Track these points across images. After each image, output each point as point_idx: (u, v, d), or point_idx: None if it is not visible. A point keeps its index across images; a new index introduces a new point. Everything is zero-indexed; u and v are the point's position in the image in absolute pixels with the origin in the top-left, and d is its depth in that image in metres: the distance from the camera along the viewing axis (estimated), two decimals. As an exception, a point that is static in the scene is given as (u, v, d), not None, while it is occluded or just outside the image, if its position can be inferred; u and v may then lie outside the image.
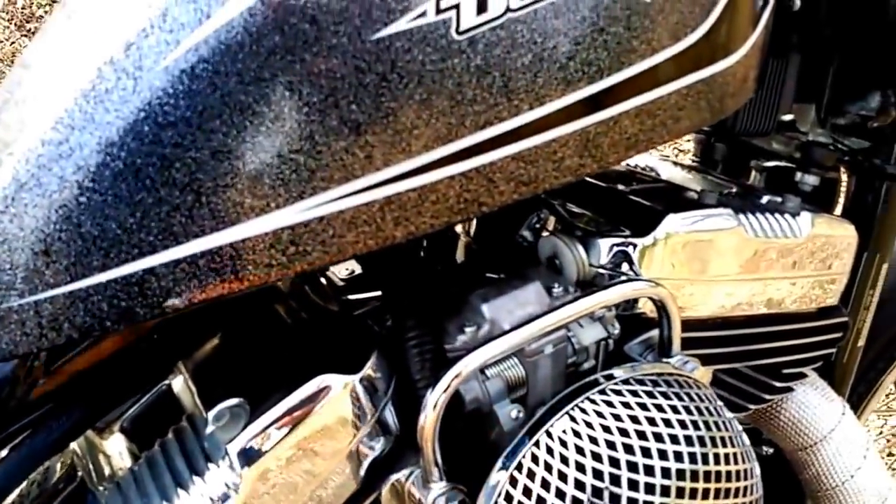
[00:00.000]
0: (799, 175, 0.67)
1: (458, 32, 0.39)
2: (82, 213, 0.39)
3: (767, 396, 0.66)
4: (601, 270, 0.53)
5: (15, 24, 2.58)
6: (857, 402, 0.96)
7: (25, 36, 2.54)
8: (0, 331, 0.40)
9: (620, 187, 0.58)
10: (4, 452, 0.47)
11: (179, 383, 0.51)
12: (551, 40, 0.41)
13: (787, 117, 0.70)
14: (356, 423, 0.47)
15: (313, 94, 0.38)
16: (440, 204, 0.42)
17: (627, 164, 0.65)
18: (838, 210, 0.73)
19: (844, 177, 0.73)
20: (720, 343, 0.60)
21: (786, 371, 0.65)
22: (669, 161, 0.72)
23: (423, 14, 0.38)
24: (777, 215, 0.58)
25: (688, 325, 0.56)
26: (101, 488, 0.47)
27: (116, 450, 0.50)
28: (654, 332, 0.53)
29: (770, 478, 0.75)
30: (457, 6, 0.39)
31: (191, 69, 0.37)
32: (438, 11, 0.38)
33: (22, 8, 2.64)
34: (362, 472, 0.48)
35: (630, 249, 0.53)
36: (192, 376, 0.49)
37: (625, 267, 0.53)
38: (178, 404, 0.51)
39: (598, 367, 0.51)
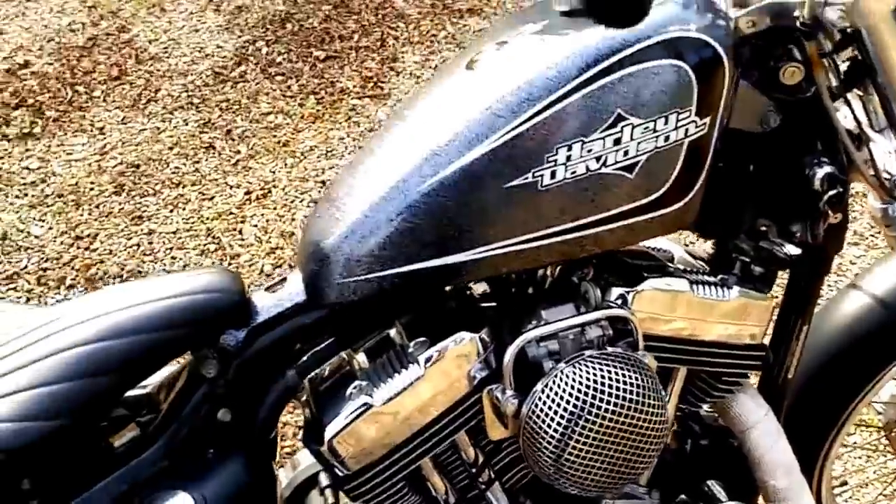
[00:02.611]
0: (752, 267, 1.09)
1: (542, 186, 0.87)
2: (384, 242, 0.87)
3: (715, 393, 1.08)
4: (608, 303, 0.98)
5: (260, 68, 3.22)
6: (823, 438, 1.34)
7: (268, 78, 3.17)
8: (346, 292, 0.90)
9: (632, 260, 1.03)
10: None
11: (394, 331, 1.00)
12: (582, 193, 0.88)
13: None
14: (473, 357, 0.94)
15: (481, 215, 0.87)
16: (532, 258, 0.90)
17: (646, 246, 1.10)
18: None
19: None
20: (682, 353, 1.03)
21: (724, 379, 1.07)
22: (680, 246, 1.16)
23: (527, 177, 0.86)
24: (717, 287, 1.01)
25: (659, 338, 1.00)
26: (358, 373, 0.97)
27: (363, 359, 1.00)
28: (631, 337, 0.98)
29: (737, 457, 1.16)
30: (542, 174, 0.86)
31: (431, 192, 0.86)
32: (534, 176, 0.86)
33: (266, 54, 3.29)
34: (473, 383, 0.95)
35: (627, 294, 0.98)
36: (403, 328, 0.98)
37: (622, 302, 0.98)
38: (392, 342, 1.00)
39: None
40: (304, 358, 0.97)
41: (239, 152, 2.88)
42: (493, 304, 1.02)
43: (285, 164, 2.84)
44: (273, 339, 0.95)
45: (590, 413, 0.89)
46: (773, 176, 1.02)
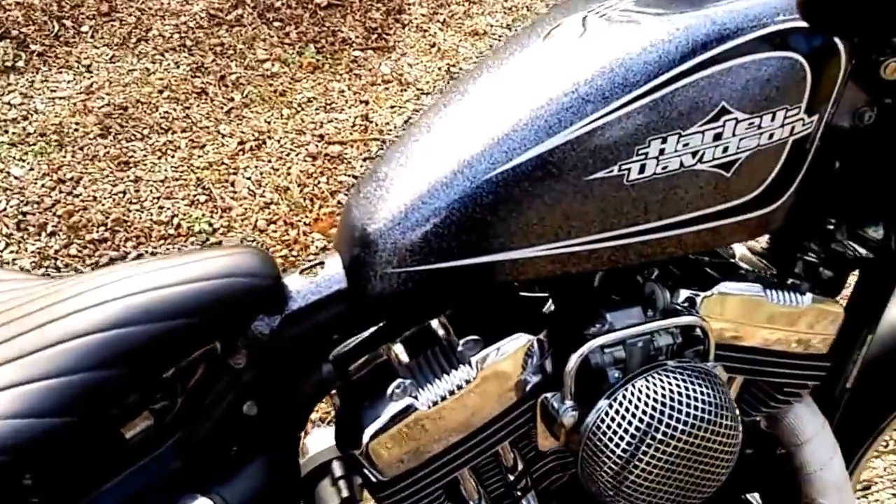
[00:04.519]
0: (821, 269, 1.01)
1: (627, 181, 0.77)
2: (442, 232, 0.76)
3: (773, 404, 1.00)
4: (676, 307, 0.89)
5: (257, 12, 3.05)
6: (862, 441, 1.27)
7: (265, 24, 3.00)
8: (393, 283, 0.80)
9: (699, 259, 0.94)
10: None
11: (436, 323, 0.90)
12: (672, 190, 0.78)
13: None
14: (530, 361, 0.85)
15: (555, 209, 0.76)
16: (606, 258, 0.80)
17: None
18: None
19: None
20: (746, 362, 0.95)
21: (785, 390, 1.00)
22: (746, 247, 1.07)
23: (612, 170, 0.76)
24: (790, 293, 0.93)
25: (722, 345, 0.92)
26: (399, 369, 0.87)
27: (401, 351, 0.90)
28: (700, 347, 0.89)
29: (782, 470, 1.09)
30: (630, 168, 0.76)
31: (501, 180, 0.75)
32: (620, 169, 0.76)
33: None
34: (526, 389, 0.86)
35: (696, 297, 0.89)
36: (449, 321, 0.88)
37: (689, 305, 0.89)
38: (434, 334, 0.90)
39: (665, 360, 0.88)
40: (341, 349, 0.88)
41: (232, 100, 2.75)
42: (546, 299, 0.93)
43: (281, 115, 2.71)
44: (308, 328, 0.84)
45: (664, 432, 0.80)
46: (857, 174, 0.93)
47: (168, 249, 2.25)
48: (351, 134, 2.65)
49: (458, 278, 0.80)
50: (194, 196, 2.44)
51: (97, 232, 2.28)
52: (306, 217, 2.38)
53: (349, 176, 2.51)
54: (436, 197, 0.78)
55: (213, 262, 0.82)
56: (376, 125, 2.67)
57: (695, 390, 0.82)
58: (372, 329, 0.88)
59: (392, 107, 2.73)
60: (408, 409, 0.82)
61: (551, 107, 0.75)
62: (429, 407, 0.82)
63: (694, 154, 0.76)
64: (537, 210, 0.77)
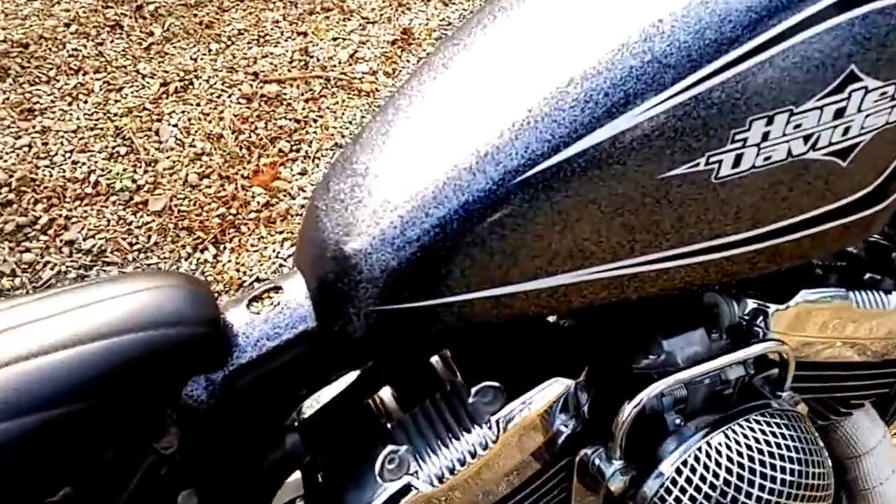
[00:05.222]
0: (894, 254, 0.81)
1: (716, 177, 0.53)
2: (457, 254, 0.53)
3: (834, 417, 0.82)
4: (744, 324, 0.68)
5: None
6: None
7: None
8: (383, 324, 0.55)
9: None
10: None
11: (437, 362, 0.67)
12: (773, 188, 0.55)
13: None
14: (564, 409, 0.62)
15: (616, 219, 0.52)
16: (676, 280, 0.57)
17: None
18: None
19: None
20: (817, 379, 0.75)
21: (852, 402, 0.81)
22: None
23: (697, 163, 0.52)
24: (875, 292, 0.72)
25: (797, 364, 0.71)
26: (389, 424, 0.64)
27: (389, 400, 0.66)
28: (773, 371, 0.68)
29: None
30: (721, 160, 0.52)
31: (542, 181, 0.51)
32: (707, 162, 0.52)
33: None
34: (559, 442, 0.64)
35: (767, 309, 0.67)
36: (455, 361, 0.64)
37: (759, 320, 0.68)
38: (431, 374, 0.67)
39: (734, 394, 0.66)
40: (309, 411, 0.64)
41: (152, 34, 2.40)
42: (576, 319, 0.70)
43: (209, 51, 2.38)
44: (263, 387, 0.60)
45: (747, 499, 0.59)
46: None
47: (86, 212, 1.94)
48: (289, 71, 2.33)
49: (475, 314, 0.56)
50: (113, 148, 2.12)
51: (0, 194, 1.95)
52: (244, 169, 2.09)
53: (290, 119, 2.21)
54: (444, 204, 0.53)
55: (124, 304, 0.56)
56: (318, 60, 2.36)
57: (787, 446, 0.61)
58: (350, 378, 0.64)
59: (334, 39, 2.42)
60: (406, 491, 0.59)
61: (614, 74, 0.50)
62: (433, 485, 0.59)
63: (807, 138, 0.53)
64: (591, 221, 0.53)
